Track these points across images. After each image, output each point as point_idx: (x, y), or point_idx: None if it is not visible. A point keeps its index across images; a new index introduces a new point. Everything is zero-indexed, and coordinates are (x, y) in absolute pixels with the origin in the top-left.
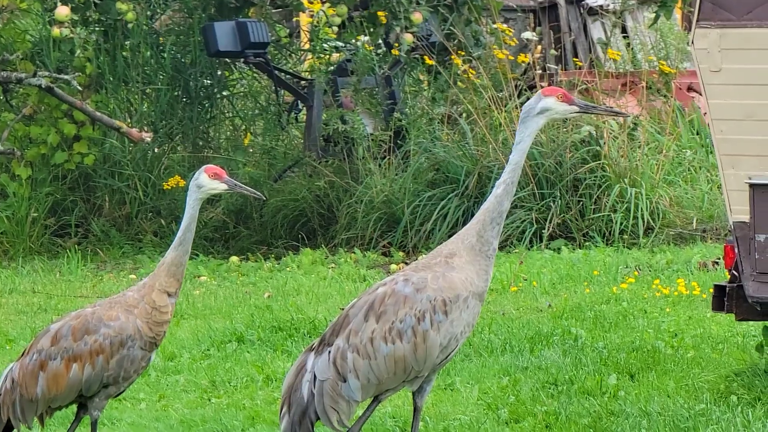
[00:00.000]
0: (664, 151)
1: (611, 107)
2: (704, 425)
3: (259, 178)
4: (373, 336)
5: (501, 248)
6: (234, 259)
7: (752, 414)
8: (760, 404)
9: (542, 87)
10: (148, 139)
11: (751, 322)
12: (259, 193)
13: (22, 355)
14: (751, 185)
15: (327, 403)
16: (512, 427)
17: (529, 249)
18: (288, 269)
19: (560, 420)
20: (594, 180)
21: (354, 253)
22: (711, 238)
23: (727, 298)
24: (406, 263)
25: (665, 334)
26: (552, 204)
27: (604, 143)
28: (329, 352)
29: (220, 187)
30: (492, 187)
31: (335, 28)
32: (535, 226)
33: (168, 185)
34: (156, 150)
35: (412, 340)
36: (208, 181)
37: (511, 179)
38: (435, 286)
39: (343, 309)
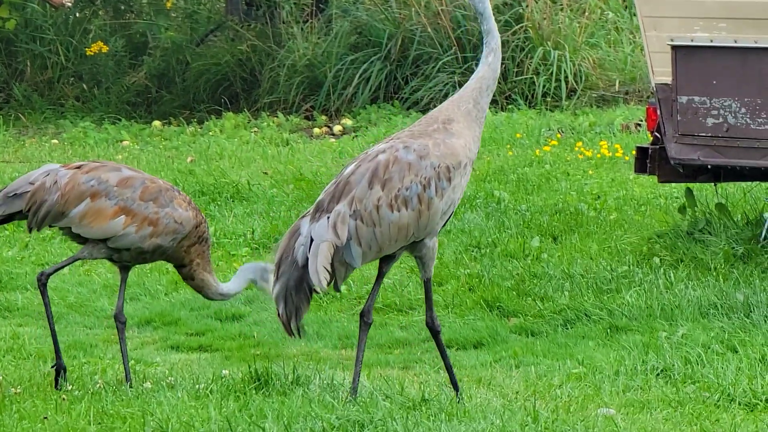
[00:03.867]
0: (587, 13)
1: None
2: (627, 287)
3: (182, 42)
4: (379, 203)
5: (423, 111)
6: (156, 123)
7: (674, 275)
8: (683, 266)
9: None
10: (69, 4)
11: (673, 184)
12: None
13: (78, 167)
14: (673, 47)
15: (321, 262)
16: (435, 290)
17: None
18: (211, 133)
19: (483, 282)
20: (517, 43)
21: (277, 116)
22: (633, 100)
23: (649, 160)
24: (329, 126)
25: (588, 197)
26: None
27: (527, 5)
28: (328, 218)
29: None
30: (480, 59)
31: None
32: (458, 89)
33: (90, 50)
34: (77, 15)
35: (418, 208)
36: (269, 285)
37: (497, 44)
38: (438, 153)
39: (265, 173)
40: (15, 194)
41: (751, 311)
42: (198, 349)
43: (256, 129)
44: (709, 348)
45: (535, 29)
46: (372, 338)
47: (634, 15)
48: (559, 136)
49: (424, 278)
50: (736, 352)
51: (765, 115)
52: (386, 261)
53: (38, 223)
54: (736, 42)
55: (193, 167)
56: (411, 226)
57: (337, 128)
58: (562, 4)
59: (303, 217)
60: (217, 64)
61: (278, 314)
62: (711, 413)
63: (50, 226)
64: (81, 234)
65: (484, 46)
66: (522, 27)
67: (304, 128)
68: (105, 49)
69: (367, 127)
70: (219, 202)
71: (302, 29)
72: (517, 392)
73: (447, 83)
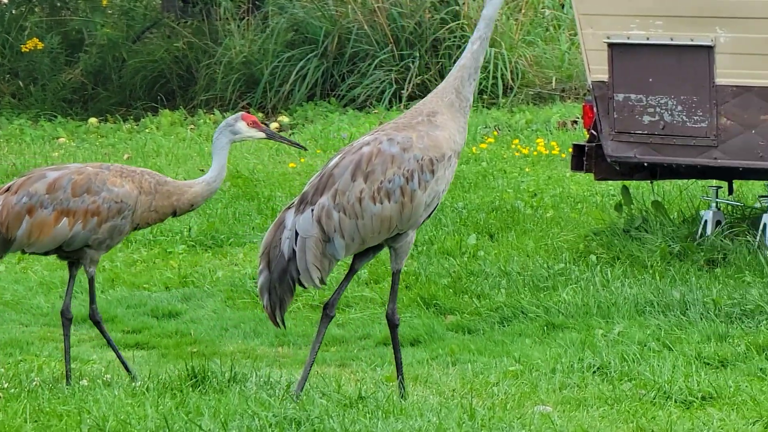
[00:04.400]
0: (523, 11)
1: None
2: (563, 284)
3: (118, 39)
4: (362, 196)
5: (360, 109)
6: (93, 120)
7: (611, 273)
8: (619, 263)
9: None
10: (5, 1)
11: (609, 182)
12: (300, 144)
13: (7, 190)
14: (609, 44)
15: (309, 260)
16: (372, 288)
17: (388, 109)
18: (147, 130)
19: (420, 280)
20: (453, 40)
21: (213, 113)
22: (570, 98)
23: (586, 158)
24: (266, 123)
25: (525, 194)
26: (411, 64)
27: (464, 3)
28: (312, 210)
29: (257, 135)
30: (462, 50)
31: None
32: (395, 86)
33: (26, 47)
34: (13, 11)
35: (400, 200)
36: (246, 129)
37: (485, 34)
38: (421, 145)
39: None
40: None
41: (687, 309)
42: (135, 346)
43: (192, 126)
44: (645, 345)
45: (471, 27)
46: (308, 336)
47: (572, 12)
48: (495, 133)
49: (395, 269)
50: (672, 349)
51: (701, 113)
52: (361, 257)
53: None
54: (672, 40)
55: (129, 164)
56: (394, 219)
57: (273, 125)
58: None
59: (288, 208)
60: (153, 61)
61: (263, 306)
62: (647, 411)
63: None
64: (36, 251)
65: (474, 33)
66: (458, 24)
67: None
68: (41, 45)
69: (303, 125)
70: None
71: (239, 26)
72: (454, 390)
73: (383, 80)
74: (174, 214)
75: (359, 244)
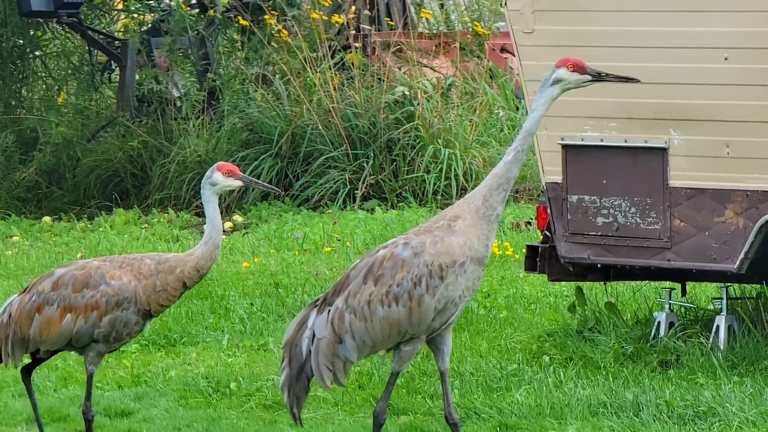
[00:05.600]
0: (477, 112)
1: (621, 75)
2: (516, 385)
3: (72, 138)
4: (371, 299)
5: (314, 209)
6: (46, 219)
7: (564, 374)
8: (572, 364)
9: (356, 47)
10: None
11: (563, 283)
12: (275, 188)
13: (24, 291)
14: (564, 146)
15: (321, 361)
16: (323, 389)
17: (342, 209)
18: (101, 229)
19: (373, 380)
20: (408, 140)
21: (167, 213)
22: (524, 199)
23: (539, 259)
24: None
25: (478, 295)
26: (365, 164)
27: (418, 104)
28: (329, 311)
29: (235, 183)
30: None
31: None
32: (349, 186)
33: None
34: None
35: (408, 304)
36: (222, 179)
37: (522, 147)
38: (432, 251)
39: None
40: None
41: (640, 410)
42: None
43: (146, 225)
44: None
45: (426, 127)
46: None
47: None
48: None
49: (393, 370)
50: None
51: (654, 215)
52: (438, 354)
53: (14, 357)
54: (626, 142)
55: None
56: (403, 322)
57: (227, 225)
58: (453, 103)
59: (312, 305)
60: (107, 159)
61: (285, 401)
62: None
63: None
64: (48, 349)
65: (511, 144)
66: (413, 125)
67: (195, 224)
68: None
69: (258, 224)
70: None
71: (194, 126)
72: None
73: (338, 180)
74: (185, 286)
75: (371, 347)
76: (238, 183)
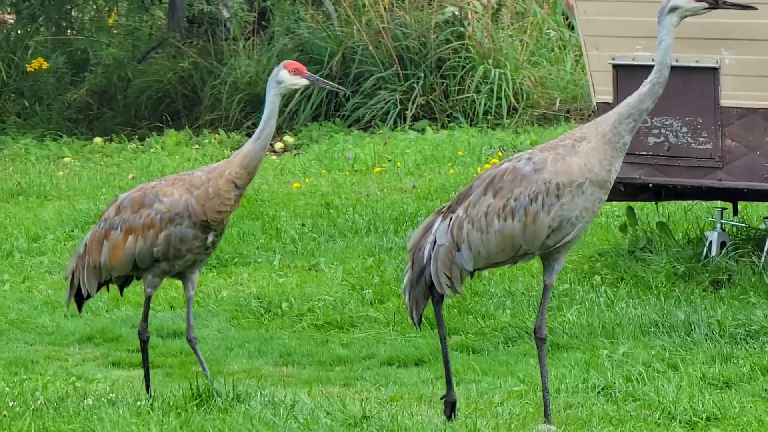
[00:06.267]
0: (528, 32)
1: (738, 2)
2: (568, 305)
3: (123, 59)
4: (488, 210)
5: (365, 129)
6: (98, 140)
7: (615, 294)
8: (623, 284)
9: None
10: (11, 21)
11: (615, 203)
12: (341, 88)
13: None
14: (615, 66)
15: (440, 267)
16: (377, 308)
17: (393, 130)
18: (152, 150)
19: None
20: (458, 61)
21: (218, 134)
22: (575, 119)
23: None
24: (270, 143)
25: None
26: (416, 85)
27: (468, 24)
28: (450, 219)
29: (301, 82)
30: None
31: None
32: (399, 107)
33: (31, 67)
34: (19, 31)
35: (523, 219)
36: (288, 77)
37: (657, 79)
38: (552, 168)
39: None
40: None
41: (691, 330)
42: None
43: (197, 146)
44: (650, 366)
45: (476, 47)
46: (313, 355)
47: (577, 34)
48: (500, 154)
49: (546, 282)
50: (677, 370)
51: (706, 135)
52: (546, 268)
53: (90, 286)
54: (677, 61)
55: (134, 183)
56: (517, 237)
57: (278, 145)
58: (503, 23)
59: (438, 212)
60: (158, 81)
61: (405, 304)
62: (652, 431)
63: (102, 286)
64: (119, 274)
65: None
66: (463, 45)
67: None
68: (45, 65)
69: (308, 145)
70: None
71: (244, 47)
72: (458, 410)
73: (388, 101)
74: (237, 187)
75: (485, 259)
76: (305, 81)
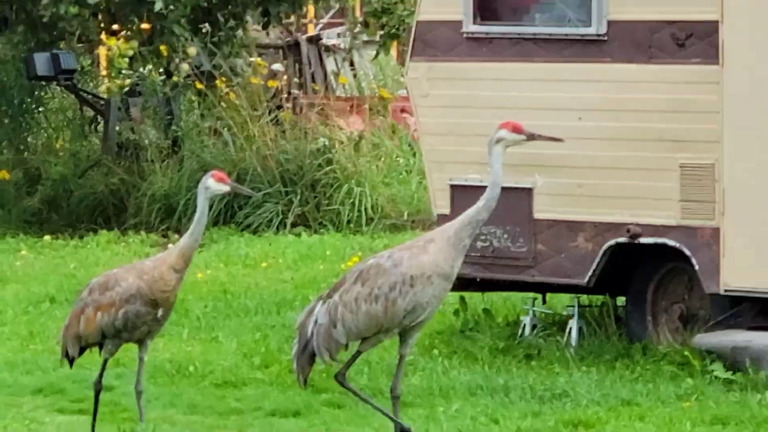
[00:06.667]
0: (382, 159)
1: (549, 135)
2: (413, 372)
3: (67, 175)
4: (357, 296)
5: (254, 233)
6: (47, 237)
7: (450, 364)
8: (456, 356)
9: (288, 108)
10: None
11: (450, 293)
12: (252, 192)
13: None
14: (452, 185)
15: (321, 342)
16: (263, 371)
17: (276, 234)
18: (89, 247)
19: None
20: (327, 180)
21: (140, 234)
22: (419, 227)
23: None
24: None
25: None
26: (294, 199)
27: (336, 152)
28: (328, 303)
29: (224, 189)
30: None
31: (127, 59)
32: (281, 216)
33: None
34: None
35: (384, 304)
36: (214, 184)
37: (490, 195)
38: (408, 264)
39: None
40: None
41: (509, 392)
42: (78, 412)
43: (124, 243)
44: (477, 420)
45: (342, 170)
46: (213, 407)
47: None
48: (359, 254)
49: (401, 353)
50: (498, 423)
51: (522, 240)
52: (365, 344)
53: (73, 352)
54: None
55: (74, 272)
56: (380, 317)
57: None
58: (363, 152)
59: (319, 297)
60: (94, 192)
61: (294, 369)
62: None
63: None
64: (92, 341)
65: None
66: (332, 168)
67: (161, 244)
68: (8, 176)
69: (209, 245)
70: None
71: (161, 167)
72: None
73: (272, 211)
74: (176, 271)
75: (356, 334)
76: (227, 188)
